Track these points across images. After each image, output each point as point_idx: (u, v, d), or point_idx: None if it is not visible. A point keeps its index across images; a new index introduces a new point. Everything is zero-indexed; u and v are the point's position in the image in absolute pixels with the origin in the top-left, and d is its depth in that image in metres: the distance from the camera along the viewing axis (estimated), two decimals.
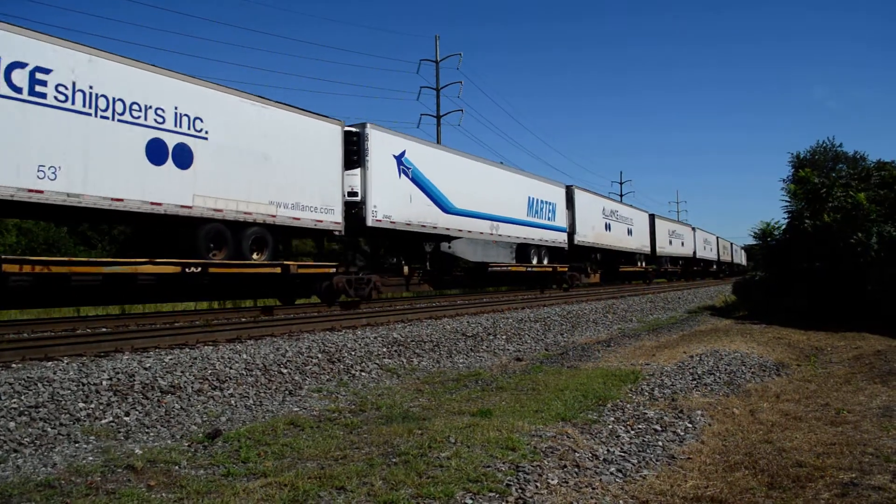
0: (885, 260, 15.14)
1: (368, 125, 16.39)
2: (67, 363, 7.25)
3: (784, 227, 18.93)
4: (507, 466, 4.53)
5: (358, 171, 16.10)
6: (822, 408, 7.05)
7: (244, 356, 8.21)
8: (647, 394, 7.42)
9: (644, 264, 37.78)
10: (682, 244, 46.06)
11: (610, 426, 5.96)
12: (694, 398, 7.30)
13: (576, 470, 4.67)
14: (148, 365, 7.24)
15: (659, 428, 6.00)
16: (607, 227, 31.67)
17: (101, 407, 6.08)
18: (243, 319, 13.07)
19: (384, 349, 9.90)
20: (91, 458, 4.93)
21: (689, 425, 6.15)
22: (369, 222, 16.20)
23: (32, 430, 5.42)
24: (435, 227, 18.62)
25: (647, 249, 37.92)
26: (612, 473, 4.75)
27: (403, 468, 4.48)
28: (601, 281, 33.26)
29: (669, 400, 7.14)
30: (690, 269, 50.64)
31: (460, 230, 19.80)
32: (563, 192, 27.55)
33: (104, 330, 10.73)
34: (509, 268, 23.10)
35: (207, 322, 12.25)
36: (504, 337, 12.57)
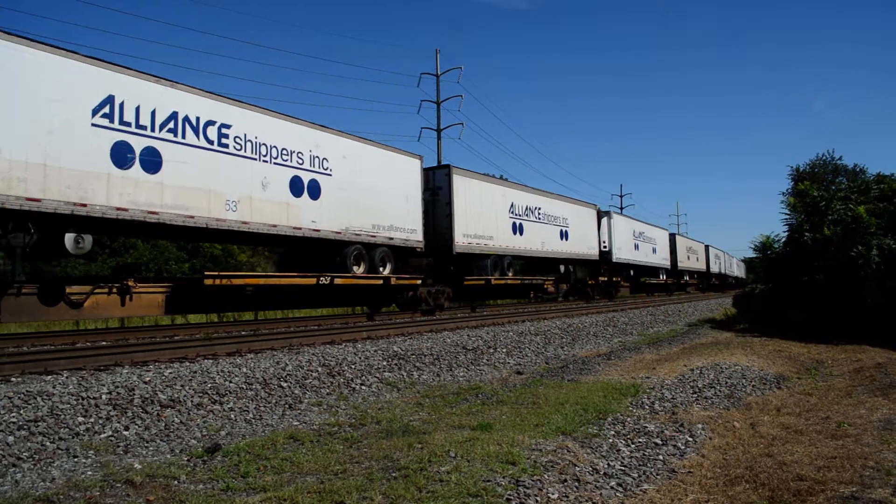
0: (885, 273, 15.16)
1: None
2: (67, 377, 7.23)
3: (784, 239, 18.96)
4: (508, 481, 4.52)
5: None
6: (823, 421, 7.03)
7: (244, 370, 8.20)
8: (647, 407, 7.41)
9: (393, 273, 17.24)
10: (566, 236, 26.04)
11: (610, 440, 5.95)
12: (694, 411, 7.28)
13: (576, 484, 4.66)
14: (147, 379, 7.23)
15: (659, 441, 5.99)
16: (271, 184, 13.41)
17: (101, 421, 6.07)
18: (243, 333, 13.06)
19: (384, 362, 9.89)
20: (90, 473, 4.92)
21: (690, 439, 6.14)
22: None
23: (31, 445, 5.40)
24: None
25: (417, 237, 17.90)
26: (612, 487, 4.73)
27: (403, 482, 4.46)
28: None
29: (670, 413, 7.12)
30: (596, 277, 31.03)
31: None
32: None
33: (104, 343, 10.73)
34: None
35: (207, 335, 12.24)
36: (504, 350, 12.55)
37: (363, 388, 8.76)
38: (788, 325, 16.32)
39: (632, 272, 36.01)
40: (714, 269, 57.05)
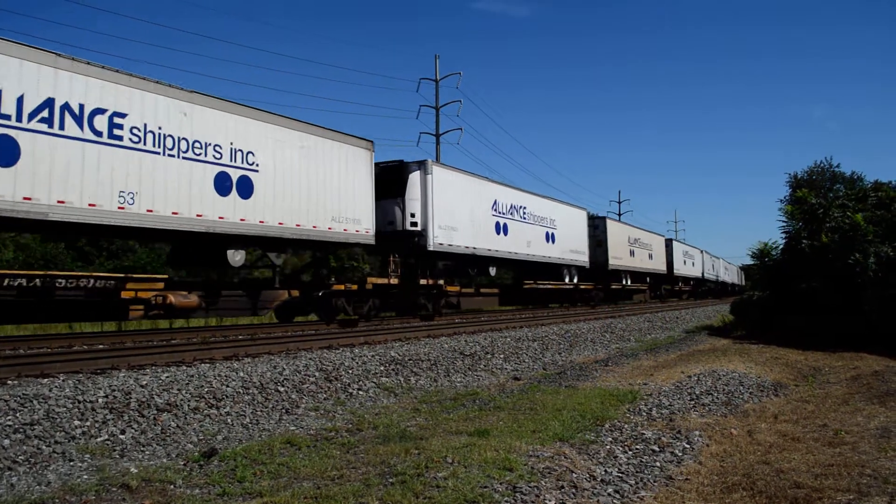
0: (882, 280, 15.17)
1: None
2: (63, 380, 7.22)
3: (782, 247, 18.99)
4: (505, 487, 4.51)
5: None
6: (820, 428, 7.03)
7: (241, 374, 8.19)
8: (644, 414, 7.40)
9: None
10: (243, 189, 12.94)
11: (608, 446, 5.94)
12: (692, 418, 7.27)
13: (573, 491, 4.65)
14: (144, 382, 7.22)
15: (657, 448, 5.98)
16: None
17: (97, 425, 6.06)
18: (240, 337, 13.03)
19: (382, 368, 9.88)
20: (86, 477, 4.90)
21: (687, 446, 6.13)
22: None
23: (27, 448, 5.39)
24: None
25: None
26: (609, 494, 4.72)
27: (400, 488, 4.45)
28: None
29: (667, 420, 7.12)
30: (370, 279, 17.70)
31: None
32: None
33: (100, 347, 10.70)
34: None
35: (204, 339, 12.21)
36: (502, 356, 12.54)
37: (360, 393, 8.75)
38: (786, 333, 16.33)
39: (492, 270, 22.47)
40: (685, 271, 45.48)
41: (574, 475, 4.96)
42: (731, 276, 70.39)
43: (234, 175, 12.98)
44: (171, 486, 4.67)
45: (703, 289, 54.82)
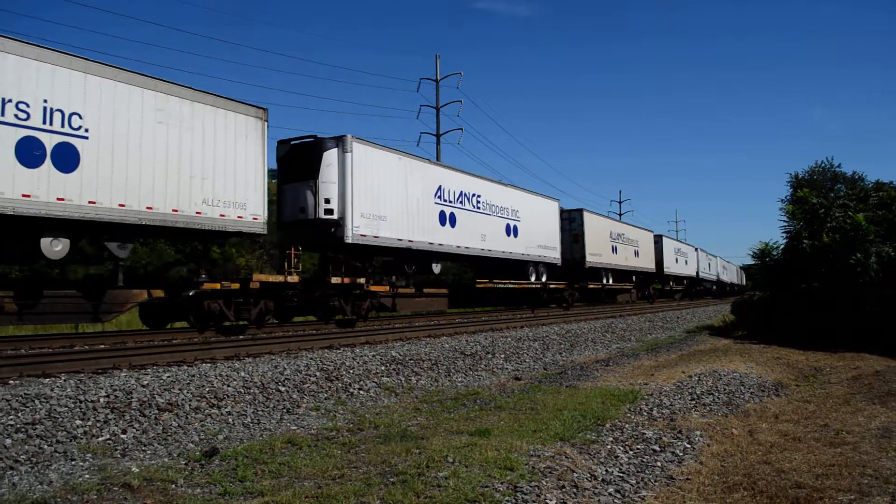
0: (883, 280, 15.17)
1: None
2: (65, 380, 7.23)
3: (783, 247, 18.99)
4: (506, 487, 4.52)
5: None
6: (821, 428, 7.03)
7: (242, 374, 8.20)
8: (645, 414, 7.40)
9: None
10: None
11: (608, 446, 5.94)
12: (693, 418, 7.27)
13: (574, 490, 4.65)
14: (146, 382, 7.23)
15: (657, 448, 5.98)
16: None
17: (99, 424, 6.07)
18: (241, 337, 13.03)
19: (382, 368, 9.88)
20: (87, 476, 4.91)
21: (688, 445, 6.13)
22: None
23: (29, 448, 5.40)
24: None
25: None
26: (610, 494, 4.72)
27: (401, 488, 4.46)
28: None
29: (668, 420, 7.12)
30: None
31: None
32: None
33: (102, 347, 10.71)
34: None
35: (206, 339, 12.22)
36: (503, 356, 12.55)
37: (361, 392, 8.75)
38: (787, 333, 16.32)
39: (436, 267, 19.42)
40: (677, 270, 42.38)
41: (575, 475, 4.97)
42: (730, 275, 68.81)
43: (49, 142, 9.92)
44: (173, 486, 4.68)
45: (699, 289, 51.91)
